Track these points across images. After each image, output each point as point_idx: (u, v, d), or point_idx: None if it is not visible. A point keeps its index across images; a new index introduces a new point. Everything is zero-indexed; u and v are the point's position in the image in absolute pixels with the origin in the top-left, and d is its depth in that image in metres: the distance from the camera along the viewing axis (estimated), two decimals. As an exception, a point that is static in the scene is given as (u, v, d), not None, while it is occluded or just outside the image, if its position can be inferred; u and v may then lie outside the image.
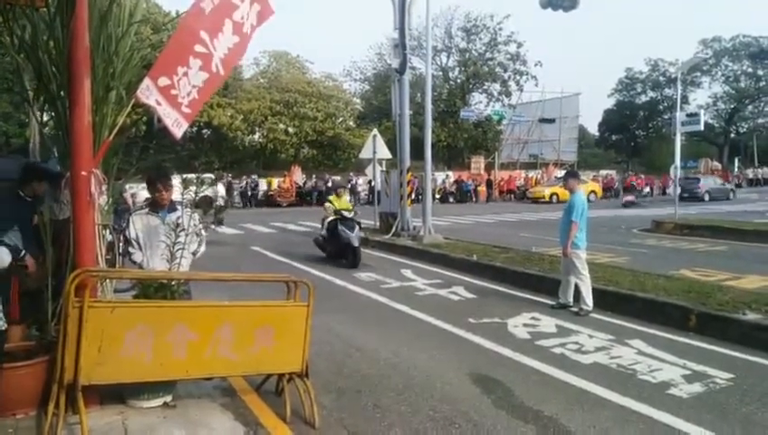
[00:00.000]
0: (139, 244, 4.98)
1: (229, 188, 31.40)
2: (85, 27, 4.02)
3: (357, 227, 11.44)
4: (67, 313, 3.57)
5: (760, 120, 67.60)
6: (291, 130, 44.09)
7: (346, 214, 11.54)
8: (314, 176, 36.18)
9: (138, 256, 4.99)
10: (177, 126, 4.34)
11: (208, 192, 5.17)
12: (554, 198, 33.97)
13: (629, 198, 33.65)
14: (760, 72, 61.05)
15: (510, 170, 46.10)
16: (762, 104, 65.29)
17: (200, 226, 5.11)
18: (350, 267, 10.89)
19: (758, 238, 15.10)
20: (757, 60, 59.70)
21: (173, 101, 4.25)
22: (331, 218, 11.76)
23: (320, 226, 12.87)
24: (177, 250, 4.58)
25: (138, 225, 5.00)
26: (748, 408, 4.59)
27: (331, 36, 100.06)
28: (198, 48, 4.35)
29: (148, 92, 4.13)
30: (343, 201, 12.32)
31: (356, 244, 11.11)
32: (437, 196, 34.71)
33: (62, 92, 4.37)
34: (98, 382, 3.73)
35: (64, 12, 4.17)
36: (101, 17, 4.35)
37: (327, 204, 12.20)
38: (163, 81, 4.20)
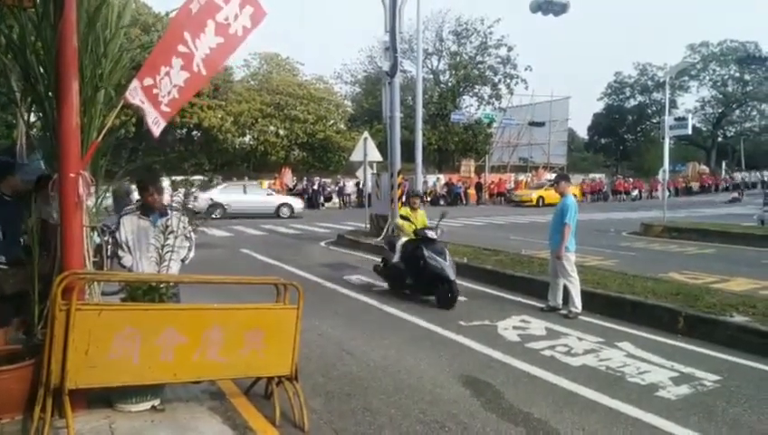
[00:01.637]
0: (128, 247, 4.94)
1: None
2: (73, 28, 3.99)
3: (447, 252, 8.54)
4: (54, 315, 3.54)
5: (747, 125, 68.44)
6: (281, 132, 43.98)
7: (430, 234, 8.63)
8: (305, 178, 36.05)
9: (127, 260, 4.94)
10: (156, 124, 4.35)
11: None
12: (541, 201, 33.59)
13: (734, 194, 34.11)
14: (747, 77, 61.81)
15: (500, 173, 46.25)
16: (748, 109, 66.15)
17: (189, 228, 5.08)
18: (443, 307, 7.96)
19: (746, 241, 15.26)
20: (744, 65, 60.37)
21: (153, 100, 4.26)
22: (405, 240, 9.05)
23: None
24: (167, 253, 4.56)
25: (128, 227, 4.96)
26: (735, 409, 4.62)
27: (322, 39, 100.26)
28: (181, 48, 4.38)
29: (135, 93, 4.13)
30: (420, 215, 9.50)
31: (452, 276, 8.03)
32: (428, 198, 34.77)
33: (49, 93, 4.34)
34: (85, 386, 3.70)
35: (52, 12, 4.13)
36: (90, 19, 4.32)
37: (399, 220, 9.48)
38: (147, 81, 4.22)
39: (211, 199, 22.78)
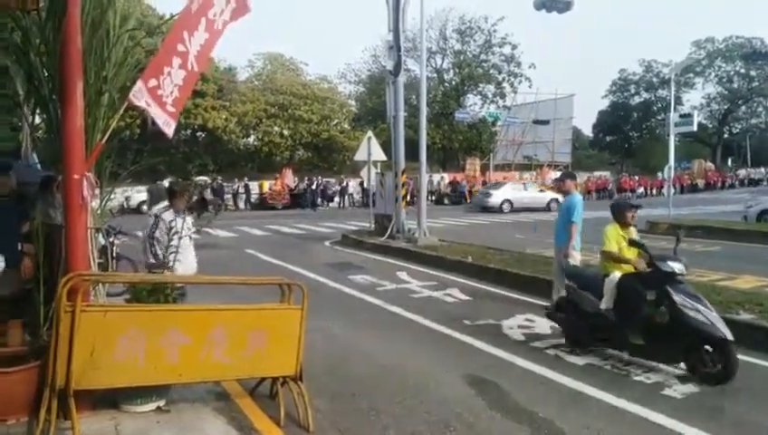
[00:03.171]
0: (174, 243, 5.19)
1: (219, 191, 31.04)
2: (77, 30, 4.01)
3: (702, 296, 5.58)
4: (59, 317, 3.55)
5: (753, 121, 68.10)
6: (285, 132, 44.03)
7: (677, 267, 5.45)
8: (306, 178, 35.76)
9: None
10: (167, 125, 4.42)
11: None
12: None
13: None
14: (752, 73, 61.48)
15: (505, 172, 46.16)
16: (754, 105, 65.79)
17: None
18: (708, 383, 5.07)
19: (751, 238, 15.17)
20: (750, 61, 60.06)
21: (159, 101, 4.31)
22: (620, 275, 5.81)
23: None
24: (171, 253, 4.62)
25: (179, 224, 5.30)
26: (741, 407, 4.61)
27: (326, 38, 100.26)
28: (180, 47, 4.47)
29: (139, 95, 4.14)
30: (633, 235, 6.19)
31: (729, 335, 5.09)
32: (432, 197, 34.66)
33: (53, 95, 4.36)
34: (90, 387, 3.72)
35: (56, 15, 4.16)
36: (93, 21, 4.34)
37: (611, 244, 6.01)
38: (152, 82, 4.25)
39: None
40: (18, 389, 3.77)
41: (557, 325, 6.50)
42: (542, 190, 31.48)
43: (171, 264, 5.07)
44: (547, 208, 28.56)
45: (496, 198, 28.80)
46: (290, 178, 34.92)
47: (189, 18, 4.51)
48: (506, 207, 28.31)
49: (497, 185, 31.59)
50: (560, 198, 29.01)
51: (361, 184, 30.28)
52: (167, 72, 4.34)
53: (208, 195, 26.59)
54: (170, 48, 4.43)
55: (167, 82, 4.33)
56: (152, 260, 5.36)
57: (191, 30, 4.51)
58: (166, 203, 5.59)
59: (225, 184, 33.08)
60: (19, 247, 4.87)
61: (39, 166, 5.98)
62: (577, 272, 6.61)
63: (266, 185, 34.48)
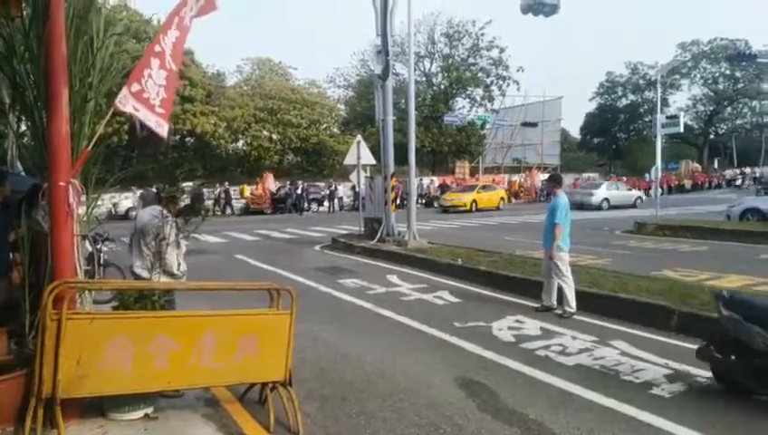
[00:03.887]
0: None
1: (199, 197, 30.54)
2: (61, 36, 3.99)
3: None
4: (45, 325, 3.52)
5: (738, 122, 68.88)
6: (275, 137, 44.00)
7: None
8: (288, 182, 35.37)
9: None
10: (160, 127, 4.42)
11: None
12: (474, 205, 30.33)
13: None
14: (737, 75, 62.16)
15: (494, 174, 46.34)
16: (740, 106, 66.52)
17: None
18: None
19: (737, 238, 15.32)
20: (734, 62, 60.68)
21: (147, 104, 4.31)
22: None
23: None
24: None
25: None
26: (729, 406, 4.64)
27: (315, 43, 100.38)
28: (156, 48, 4.52)
29: (125, 100, 4.14)
30: None
31: None
32: (422, 201, 34.73)
33: (38, 103, 4.33)
34: (77, 396, 3.68)
35: (39, 21, 4.13)
36: (77, 28, 4.32)
37: None
38: (135, 86, 4.25)
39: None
40: (4, 398, 3.73)
41: (708, 365, 5.08)
42: (629, 189, 35.21)
43: (183, 276, 5.09)
44: (633, 205, 31.98)
45: (597, 197, 31.18)
46: (271, 183, 34.76)
47: (167, 20, 4.58)
48: (605, 204, 30.75)
49: (596, 185, 34.33)
50: (642, 196, 32.97)
51: (353, 188, 30.25)
52: (147, 74, 4.35)
53: (185, 200, 26.35)
54: (149, 51, 4.47)
55: (149, 83, 4.34)
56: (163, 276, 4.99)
57: (165, 30, 4.57)
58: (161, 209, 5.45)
59: (207, 189, 32.68)
60: (10, 256, 4.83)
61: (24, 173, 5.93)
62: (742, 300, 5.11)
63: (247, 190, 34.31)
